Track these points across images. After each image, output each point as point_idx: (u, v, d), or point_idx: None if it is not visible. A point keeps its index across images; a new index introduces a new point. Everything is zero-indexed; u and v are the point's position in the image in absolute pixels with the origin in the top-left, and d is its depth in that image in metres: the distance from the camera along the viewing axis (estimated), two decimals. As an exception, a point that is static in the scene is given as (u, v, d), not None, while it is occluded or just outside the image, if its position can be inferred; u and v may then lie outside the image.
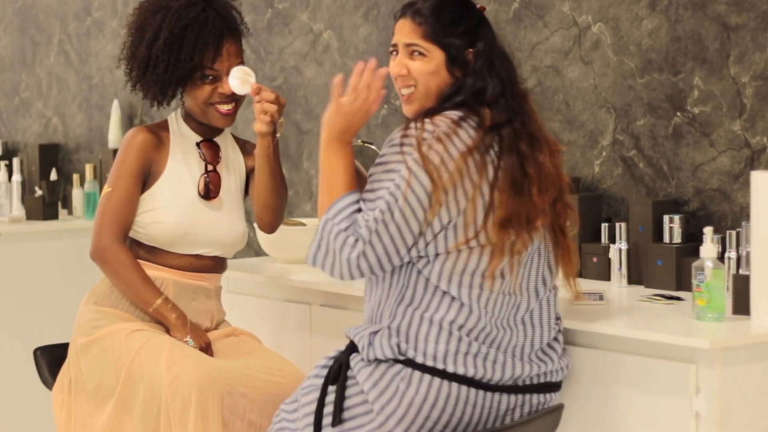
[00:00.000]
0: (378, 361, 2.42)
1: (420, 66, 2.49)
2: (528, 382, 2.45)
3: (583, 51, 3.24)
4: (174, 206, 2.90)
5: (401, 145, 2.41)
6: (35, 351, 3.07)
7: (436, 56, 2.48)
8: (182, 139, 2.97)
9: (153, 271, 2.92)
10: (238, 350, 2.91)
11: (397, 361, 2.40)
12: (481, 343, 2.40)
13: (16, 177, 4.61)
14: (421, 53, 2.50)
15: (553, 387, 2.51)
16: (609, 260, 3.05)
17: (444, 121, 2.41)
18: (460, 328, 2.40)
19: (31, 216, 4.54)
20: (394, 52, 2.55)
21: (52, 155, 4.89)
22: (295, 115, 4.09)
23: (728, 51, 2.95)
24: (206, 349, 2.88)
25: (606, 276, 3.07)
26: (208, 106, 2.92)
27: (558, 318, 2.54)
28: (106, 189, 2.92)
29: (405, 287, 2.43)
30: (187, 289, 2.94)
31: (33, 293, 4.36)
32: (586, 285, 3.01)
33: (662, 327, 2.52)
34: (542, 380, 2.47)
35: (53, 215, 4.55)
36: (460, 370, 2.39)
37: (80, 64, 4.98)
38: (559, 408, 2.50)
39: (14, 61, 5.30)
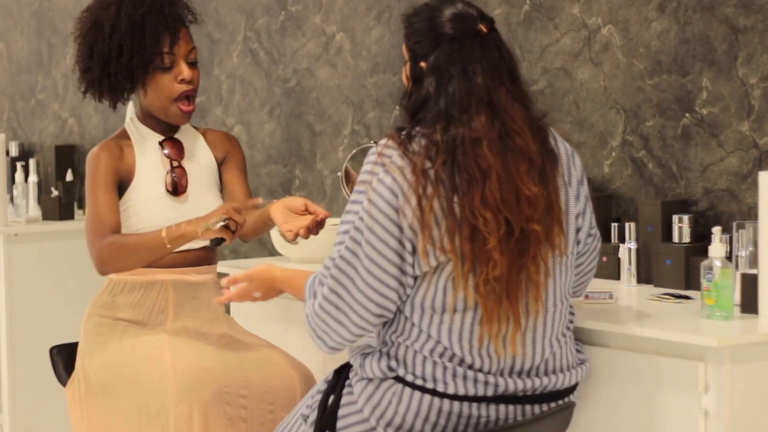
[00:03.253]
0: (370, 378, 2.45)
1: (404, 71, 2.48)
2: (530, 393, 2.43)
3: (592, 53, 3.27)
4: (147, 209, 2.92)
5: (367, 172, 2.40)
6: (51, 349, 3.10)
7: (407, 63, 2.45)
8: (144, 142, 2.98)
9: (149, 275, 2.93)
10: (240, 344, 2.95)
11: (388, 378, 2.42)
12: (467, 368, 2.39)
13: (33, 178, 4.65)
14: (404, 57, 2.47)
15: (561, 395, 2.48)
16: (618, 260, 3.08)
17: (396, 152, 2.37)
18: (441, 356, 2.39)
19: (47, 216, 4.58)
20: None
21: (68, 156, 4.93)
22: (308, 116, 4.12)
23: (736, 53, 2.98)
24: (242, 221, 2.81)
25: (615, 275, 3.10)
26: (171, 103, 2.93)
27: (564, 331, 2.48)
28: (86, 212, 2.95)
29: (391, 317, 2.44)
30: (188, 286, 2.96)
31: (49, 292, 4.40)
32: (596, 284, 3.04)
33: (671, 325, 2.54)
34: (546, 391, 2.45)
35: (69, 215, 4.59)
36: (450, 390, 2.39)
37: (95, 66, 5.01)
38: (570, 406, 2.52)
39: (30, 63, 5.34)
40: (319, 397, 2.54)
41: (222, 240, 2.80)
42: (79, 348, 2.96)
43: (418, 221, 2.33)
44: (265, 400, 2.86)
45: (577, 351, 2.54)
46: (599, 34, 3.26)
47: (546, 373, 2.45)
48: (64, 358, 3.07)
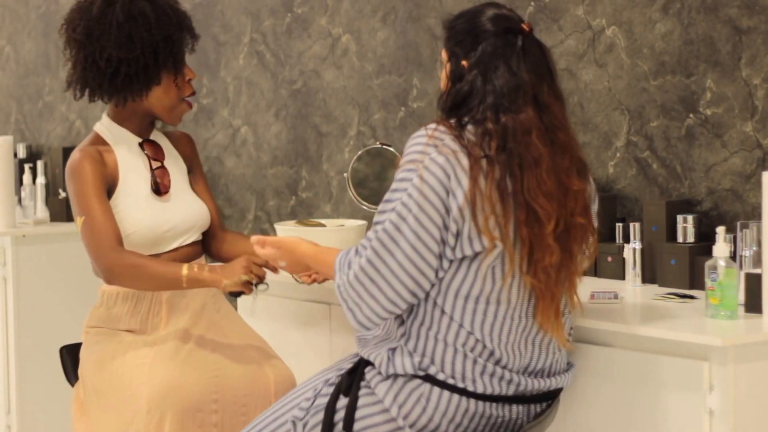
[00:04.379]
0: (396, 376, 2.45)
1: (442, 75, 2.53)
2: (535, 392, 2.49)
3: (597, 54, 3.29)
4: (134, 211, 2.92)
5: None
6: (61, 349, 3.13)
7: (447, 65, 2.50)
8: (124, 146, 2.98)
9: None
10: (222, 345, 2.96)
11: (416, 376, 2.44)
12: (494, 365, 2.43)
13: (40, 179, 4.67)
14: (443, 62, 2.52)
15: (557, 393, 2.55)
16: (623, 260, 3.09)
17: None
18: (473, 350, 2.42)
19: (54, 218, 4.60)
20: None
21: (75, 158, 4.95)
22: (315, 117, 4.14)
23: (740, 53, 2.99)
24: (262, 275, 2.80)
25: (620, 275, 3.11)
26: (180, 101, 2.96)
27: (567, 337, 2.53)
28: (78, 221, 2.90)
29: (420, 307, 2.45)
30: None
31: (57, 294, 4.42)
32: (601, 284, 3.06)
33: (676, 325, 2.56)
34: (544, 388, 2.50)
35: (77, 217, 4.61)
36: (479, 389, 2.42)
37: (102, 68, 5.03)
38: (558, 400, 2.56)
39: (38, 66, 5.36)
40: (322, 400, 2.52)
41: (241, 293, 2.80)
42: (81, 356, 3.00)
43: (469, 204, 2.36)
44: (238, 403, 2.90)
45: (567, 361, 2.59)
46: (603, 36, 3.27)
47: (549, 376, 2.50)
48: (74, 357, 3.09)
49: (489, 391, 2.43)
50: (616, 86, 3.25)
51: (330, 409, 2.49)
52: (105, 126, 3.00)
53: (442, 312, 2.42)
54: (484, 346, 2.42)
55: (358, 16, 3.97)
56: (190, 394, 2.83)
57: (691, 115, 3.10)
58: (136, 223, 2.93)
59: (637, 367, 2.56)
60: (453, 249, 2.39)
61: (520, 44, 2.43)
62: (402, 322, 2.47)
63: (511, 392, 2.44)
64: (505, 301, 2.41)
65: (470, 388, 2.41)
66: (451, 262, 2.40)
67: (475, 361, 2.41)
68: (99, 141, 2.98)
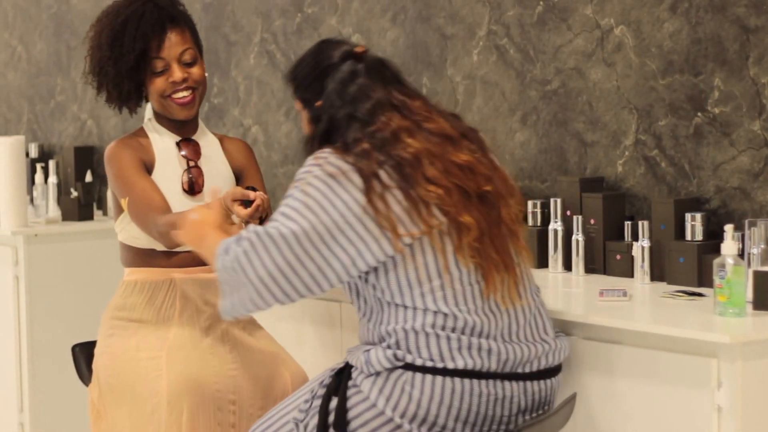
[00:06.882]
0: (378, 372, 2.48)
1: (303, 123, 2.64)
2: (528, 369, 2.50)
3: (605, 53, 3.30)
4: None
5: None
6: (74, 347, 3.14)
7: (303, 112, 2.63)
8: (162, 142, 3.00)
9: (157, 274, 2.96)
10: (239, 345, 2.97)
11: (396, 367, 2.47)
12: (470, 336, 2.46)
13: (52, 179, 4.69)
14: (298, 110, 2.64)
15: (553, 372, 2.56)
16: (632, 257, 3.11)
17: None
18: (443, 328, 2.46)
19: (66, 217, 4.61)
20: None
21: (87, 157, 4.96)
22: (325, 116, 4.15)
23: (748, 52, 3.00)
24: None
25: (629, 273, 3.13)
26: (165, 99, 2.95)
27: (536, 292, 2.59)
28: (123, 203, 2.92)
29: (378, 312, 2.52)
30: (195, 283, 2.96)
31: (69, 293, 4.44)
32: (610, 282, 3.07)
33: (684, 322, 2.58)
34: (541, 365, 2.52)
35: (88, 216, 4.62)
36: (460, 365, 2.45)
37: (113, 68, 5.05)
38: (572, 399, 2.57)
39: (50, 66, 5.39)
40: (318, 402, 2.56)
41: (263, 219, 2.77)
42: (95, 349, 3.02)
43: (369, 215, 2.44)
44: (255, 405, 2.91)
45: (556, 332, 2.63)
46: (612, 35, 3.28)
47: (534, 340, 2.52)
48: (86, 355, 3.10)
49: (471, 366, 2.45)
50: (624, 85, 3.26)
51: (323, 410, 2.53)
52: (150, 123, 3.04)
53: (404, 307, 2.47)
54: (456, 318, 2.46)
55: (368, 16, 3.99)
56: (209, 386, 2.84)
57: (699, 114, 3.11)
58: None
59: (646, 364, 2.57)
60: (375, 253, 2.45)
61: (362, 66, 2.56)
62: (371, 329, 2.53)
63: (494, 365, 2.46)
64: (455, 271, 2.47)
65: (450, 366, 2.44)
66: (375, 269, 2.47)
67: (448, 338, 2.45)
68: (141, 134, 3.02)
